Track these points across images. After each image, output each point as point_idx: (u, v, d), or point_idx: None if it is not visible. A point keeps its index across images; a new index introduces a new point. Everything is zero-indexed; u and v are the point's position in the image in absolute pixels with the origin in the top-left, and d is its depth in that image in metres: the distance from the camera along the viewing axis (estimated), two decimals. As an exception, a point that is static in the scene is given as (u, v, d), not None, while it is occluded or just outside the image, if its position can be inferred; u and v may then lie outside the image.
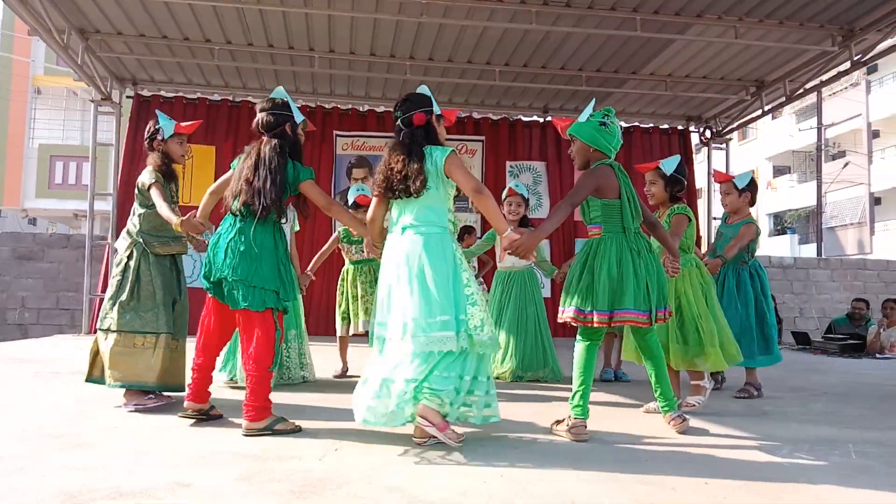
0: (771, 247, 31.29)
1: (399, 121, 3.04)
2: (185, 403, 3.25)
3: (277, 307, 3.11)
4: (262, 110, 3.24)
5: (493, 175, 9.96)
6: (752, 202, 4.59)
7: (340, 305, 5.31)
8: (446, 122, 3.16)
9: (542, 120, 10.28)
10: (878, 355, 7.60)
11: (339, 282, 5.39)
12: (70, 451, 2.66)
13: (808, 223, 30.13)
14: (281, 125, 3.17)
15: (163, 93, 9.55)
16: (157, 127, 3.88)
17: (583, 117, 3.27)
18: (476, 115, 10.23)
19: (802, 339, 8.74)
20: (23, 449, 2.69)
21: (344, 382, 4.85)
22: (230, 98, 9.69)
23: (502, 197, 5.25)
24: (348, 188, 9.63)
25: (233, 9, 7.15)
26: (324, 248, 5.33)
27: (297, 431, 3.07)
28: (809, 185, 27.19)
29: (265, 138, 3.17)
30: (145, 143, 3.95)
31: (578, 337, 3.22)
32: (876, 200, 27.56)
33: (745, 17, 7.15)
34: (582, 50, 8.07)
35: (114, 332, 3.64)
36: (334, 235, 5.37)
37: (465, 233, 7.97)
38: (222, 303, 3.16)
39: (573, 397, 3.15)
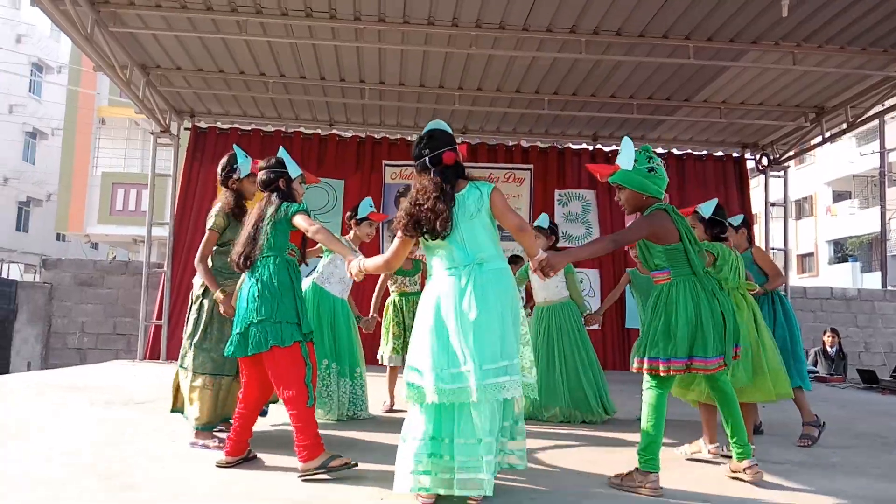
0: (832, 275, 30.10)
1: (427, 160, 2.88)
2: (221, 459, 3.26)
3: (305, 339, 3.22)
4: (260, 169, 3.50)
5: (541, 203, 9.86)
6: (749, 241, 4.70)
7: (387, 337, 5.27)
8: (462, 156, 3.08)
9: (591, 148, 10.16)
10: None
11: (386, 313, 5.36)
12: (119, 495, 2.67)
13: (870, 251, 28.90)
14: (275, 181, 3.42)
15: (219, 124, 9.82)
16: (234, 165, 3.91)
17: (625, 162, 3.18)
18: (524, 144, 10.18)
19: (869, 378, 8.29)
20: (72, 490, 2.72)
21: (392, 419, 4.79)
22: (283, 129, 9.89)
23: None
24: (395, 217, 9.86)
25: (287, 44, 7.32)
26: (378, 284, 5.32)
27: (351, 467, 3.10)
28: (871, 211, 26.12)
29: (266, 197, 3.42)
30: (219, 177, 3.98)
31: (650, 383, 3.12)
32: (945, 227, 26.27)
33: (803, 43, 6.94)
34: (633, 78, 7.96)
35: (189, 370, 3.73)
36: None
37: (511, 262, 7.89)
38: (250, 355, 3.20)
39: (644, 449, 3.02)
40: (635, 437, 3.17)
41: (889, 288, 20.12)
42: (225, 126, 9.79)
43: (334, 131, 9.95)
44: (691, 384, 3.59)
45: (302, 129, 9.93)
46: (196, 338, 3.74)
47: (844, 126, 8.58)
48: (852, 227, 29.72)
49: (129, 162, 21.77)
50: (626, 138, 3.27)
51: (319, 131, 9.97)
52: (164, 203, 10.56)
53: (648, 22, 6.59)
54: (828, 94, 8.25)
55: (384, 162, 9.88)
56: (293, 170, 3.50)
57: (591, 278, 9.81)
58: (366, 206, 4.93)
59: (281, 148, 3.70)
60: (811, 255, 32.50)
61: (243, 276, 3.39)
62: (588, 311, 5.25)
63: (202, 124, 9.75)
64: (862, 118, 8.39)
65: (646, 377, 3.14)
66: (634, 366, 3.20)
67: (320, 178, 9.01)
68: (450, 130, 3.00)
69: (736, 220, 4.62)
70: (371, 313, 5.23)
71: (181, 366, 3.80)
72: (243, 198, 3.94)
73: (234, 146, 4.19)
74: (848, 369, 9.93)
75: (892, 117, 23.80)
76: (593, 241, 3.04)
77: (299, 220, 3.26)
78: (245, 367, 3.29)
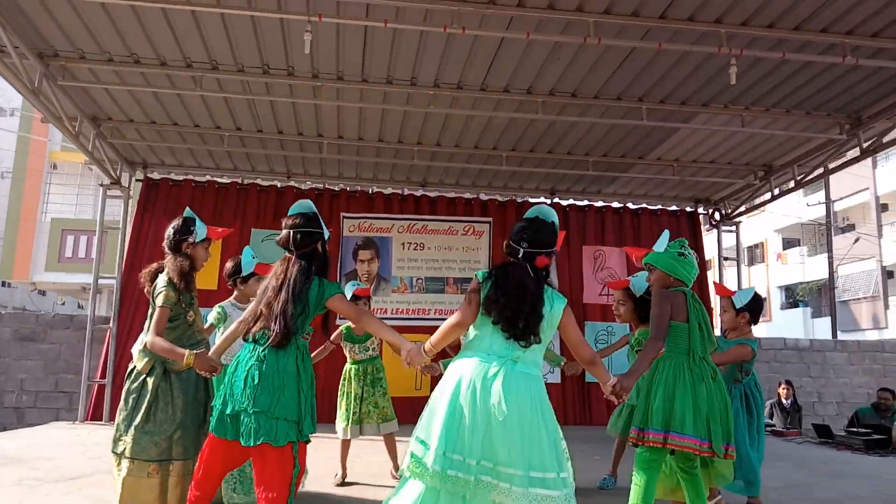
0: (784, 320, 30.83)
1: (522, 252, 2.68)
2: None
3: (299, 440, 2.86)
4: (291, 227, 2.98)
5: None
6: (754, 321, 4.25)
7: (341, 406, 5.10)
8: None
9: (549, 202, 10.24)
10: (906, 453, 7.24)
11: (342, 381, 5.19)
12: None
13: (820, 296, 29.75)
14: (313, 245, 2.99)
15: (172, 176, 9.62)
16: (191, 228, 3.69)
17: (659, 246, 3.41)
18: (483, 197, 10.22)
19: (824, 432, 8.36)
20: None
21: (346, 500, 4.59)
22: (239, 181, 9.74)
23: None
24: (354, 270, 9.74)
25: (243, 99, 7.24)
26: (319, 349, 5.07)
27: None
28: (820, 258, 26.99)
29: (293, 258, 2.96)
30: (169, 240, 3.71)
31: (635, 467, 3.15)
32: (889, 274, 27.25)
33: (751, 107, 7.16)
34: (588, 136, 8.10)
35: (127, 457, 3.40)
36: (336, 332, 5.18)
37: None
38: (232, 440, 2.83)
39: None
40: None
41: (839, 338, 20.67)
42: (178, 177, 9.59)
43: (292, 183, 9.85)
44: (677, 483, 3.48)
45: (258, 182, 9.80)
46: (137, 420, 3.41)
47: (792, 184, 8.84)
48: (802, 273, 30.62)
49: (81, 208, 21.24)
50: (665, 232, 3.50)
51: (277, 183, 9.84)
52: (116, 253, 10.22)
53: (602, 85, 6.72)
54: (775, 154, 8.52)
55: (342, 214, 9.77)
56: (325, 230, 3.07)
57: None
58: (249, 260, 4.35)
59: (309, 203, 3.14)
60: (763, 300, 33.25)
61: (243, 349, 2.94)
62: (564, 362, 5.12)
63: (155, 175, 9.54)
64: (809, 177, 8.66)
65: (634, 461, 3.19)
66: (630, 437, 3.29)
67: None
68: (557, 227, 2.81)
69: (743, 296, 4.29)
70: None
71: (113, 451, 3.47)
72: (195, 266, 3.71)
73: (188, 209, 4.00)
74: (803, 420, 10.04)
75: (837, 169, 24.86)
76: (646, 350, 3.06)
77: (341, 305, 2.93)
78: (215, 441, 2.89)
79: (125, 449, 3.41)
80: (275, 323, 2.82)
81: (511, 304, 2.59)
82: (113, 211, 9.75)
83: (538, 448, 2.44)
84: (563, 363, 5.06)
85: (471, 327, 2.71)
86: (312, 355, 4.90)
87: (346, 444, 5.07)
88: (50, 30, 5.98)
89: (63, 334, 10.20)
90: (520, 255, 2.66)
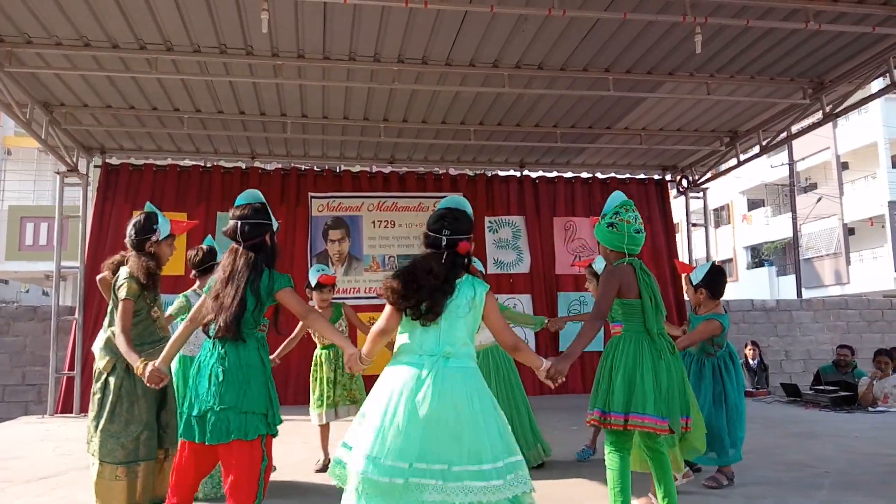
0: (749, 280, 31.52)
1: (445, 240, 2.68)
2: None
3: (269, 433, 2.82)
4: (239, 218, 2.92)
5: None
6: (714, 294, 4.21)
7: (314, 392, 5.05)
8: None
9: (518, 174, 10.21)
10: (870, 408, 7.46)
11: (313, 367, 5.13)
12: None
13: (784, 255, 30.42)
14: (261, 236, 2.92)
15: (132, 160, 9.35)
16: (154, 227, 3.58)
17: (603, 216, 3.28)
18: (453, 172, 10.15)
19: (792, 391, 8.59)
20: None
21: (326, 488, 4.57)
22: (201, 164, 9.51)
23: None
24: (325, 250, 9.64)
25: (201, 80, 7.02)
26: (294, 332, 5.00)
27: None
28: (784, 218, 27.52)
29: (240, 249, 2.89)
30: (131, 238, 3.59)
31: (606, 447, 3.16)
32: (850, 231, 27.94)
33: (716, 74, 7.17)
34: (556, 108, 8.05)
35: (97, 459, 3.37)
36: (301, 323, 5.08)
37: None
38: (200, 442, 2.76)
39: None
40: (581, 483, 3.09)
41: (804, 295, 21.19)
42: (139, 162, 9.33)
43: (256, 164, 9.65)
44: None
45: (222, 163, 9.58)
46: (102, 421, 3.36)
47: (757, 149, 8.93)
48: (767, 233, 31.24)
49: (40, 195, 20.60)
50: (614, 193, 3.35)
51: (241, 165, 9.64)
52: (78, 241, 9.95)
53: (569, 56, 6.66)
54: (741, 120, 8.58)
55: (310, 194, 9.63)
56: (274, 221, 3.01)
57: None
58: (216, 252, 4.29)
59: (257, 192, 3.10)
60: (730, 261, 33.94)
61: (202, 348, 2.87)
62: (546, 321, 5.08)
63: (114, 161, 9.26)
64: (774, 142, 8.75)
65: (605, 443, 3.19)
66: (588, 419, 3.24)
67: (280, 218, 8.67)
68: (472, 215, 2.81)
69: (698, 272, 4.28)
70: (273, 356, 4.49)
71: (87, 450, 3.46)
72: (159, 264, 3.62)
73: (148, 204, 3.87)
74: (770, 379, 10.31)
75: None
76: (583, 330, 3.05)
77: (290, 299, 2.88)
78: (186, 451, 2.83)
79: (94, 451, 3.38)
80: (224, 316, 2.77)
81: (414, 288, 2.58)
82: (73, 197, 9.47)
83: (476, 441, 2.43)
84: (546, 322, 5.08)
85: (399, 332, 2.68)
86: (285, 343, 4.87)
87: (325, 430, 5.03)
88: (-8, 14, 5.70)
89: (27, 326, 9.94)
90: (443, 244, 2.67)
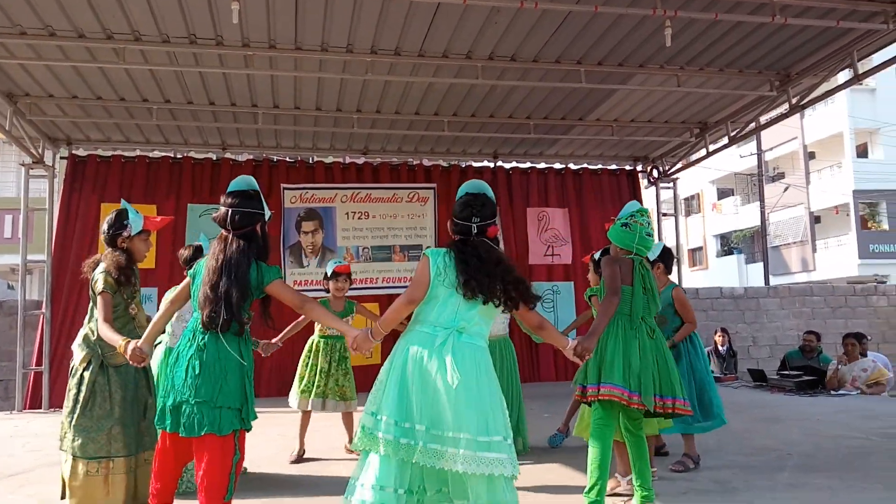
0: (719, 267, 32.08)
1: (475, 227, 2.71)
2: None
3: (242, 428, 2.80)
4: (230, 206, 2.84)
5: (445, 222, 9.77)
6: (668, 270, 4.65)
7: (303, 378, 5.02)
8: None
9: (492, 165, 10.25)
10: (832, 392, 7.68)
11: (305, 352, 5.11)
12: None
13: (753, 243, 31.00)
14: (252, 225, 2.85)
15: (100, 151, 9.19)
16: (124, 222, 3.55)
17: (619, 219, 3.53)
18: (427, 163, 10.15)
19: (759, 376, 8.81)
20: None
21: (299, 479, 4.59)
22: (171, 154, 9.38)
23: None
24: (298, 242, 9.58)
25: (171, 71, 6.92)
26: (300, 318, 4.82)
27: None
28: (753, 206, 28.02)
29: (230, 237, 2.82)
30: (104, 235, 3.57)
31: (592, 424, 3.34)
32: (816, 219, 28.56)
33: (686, 66, 7.26)
34: (529, 99, 8.09)
35: (69, 455, 3.35)
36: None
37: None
38: (174, 432, 2.75)
39: (590, 490, 3.22)
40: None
41: (771, 282, 21.62)
42: (106, 153, 9.16)
43: (228, 155, 9.55)
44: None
45: (192, 154, 9.46)
46: (75, 416, 3.34)
47: (726, 140, 9.08)
48: (736, 221, 31.80)
49: (4, 185, 20.08)
50: (631, 202, 3.62)
51: (212, 156, 9.53)
52: (45, 233, 9.76)
53: (541, 48, 6.69)
54: (710, 112, 8.70)
55: (282, 185, 9.55)
56: (266, 210, 2.93)
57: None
58: (208, 246, 4.39)
59: (251, 178, 3.00)
60: (700, 249, 34.51)
61: (182, 337, 2.84)
62: (542, 341, 5.20)
63: (80, 152, 9.09)
64: (742, 133, 8.91)
65: (591, 417, 3.38)
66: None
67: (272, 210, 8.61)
68: (494, 199, 2.88)
69: (653, 252, 4.47)
70: (275, 339, 4.64)
71: (60, 447, 3.42)
72: (133, 259, 3.60)
73: (123, 201, 3.83)
74: (738, 364, 10.55)
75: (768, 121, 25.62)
76: (602, 308, 3.25)
77: (282, 291, 2.84)
78: (166, 437, 2.81)
79: (67, 447, 3.36)
80: (220, 308, 2.71)
81: (488, 276, 2.64)
82: (39, 189, 9.29)
83: (485, 413, 2.51)
84: (541, 342, 5.15)
85: (425, 300, 2.72)
86: (290, 326, 4.78)
87: (306, 417, 5.00)
88: (-49, 2, 5.54)
89: (-7, 321, 9.76)
90: (473, 231, 2.70)
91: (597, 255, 4.64)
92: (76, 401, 3.40)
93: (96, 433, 3.33)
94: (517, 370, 5.12)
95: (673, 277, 10.97)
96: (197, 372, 2.70)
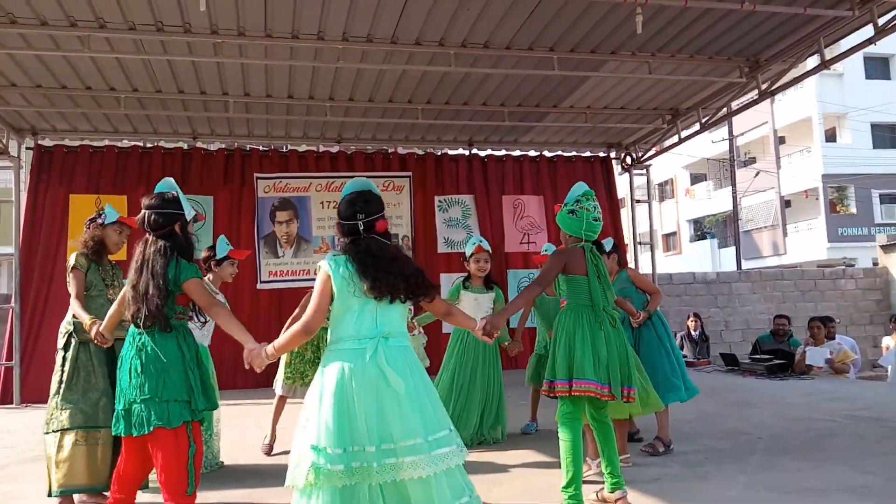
0: (692, 252, 32.51)
1: (362, 224, 2.64)
2: None
3: (193, 419, 2.84)
4: (148, 207, 2.94)
5: (421, 210, 9.86)
6: (620, 263, 4.91)
7: (288, 365, 5.00)
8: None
9: (467, 153, 10.24)
10: (803, 376, 7.84)
11: None
12: None
13: (725, 227, 31.44)
14: (170, 225, 2.93)
15: (66, 142, 9.00)
16: (100, 213, 3.82)
17: (565, 203, 3.49)
18: (402, 151, 10.11)
19: (731, 360, 8.96)
20: None
21: (275, 470, 4.57)
22: (141, 144, 9.22)
23: (467, 253, 5.13)
24: (272, 232, 9.51)
25: (137, 59, 6.78)
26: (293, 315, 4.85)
27: None
28: (725, 191, 28.38)
29: (150, 239, 2.92)
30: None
31: (559, 418, 3.31)
32: (786, 203, 29.03)
33: (657, 53, 7.30)
34: (502, 87, 8.08)
35: (57, 431, 3.46)
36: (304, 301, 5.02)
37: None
38: (128, 434, 2.79)
39: (568, 486, 3.21)
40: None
41: (743, 266, 21.95)
42: (73, 143, 8.98)
43: (199, 144, 9.41)
44: None
45: (162, 144, 9.31)
46: (61, 392, 3.47)
47: (697, 126, 9.16)
48: (709, 206, 32.21)
49: (-33, 176, 19.60)
50: (577, 183, 3.55)
51: (182, 145, 9.39)
52: (11, 225, 9.56)
53: (514, 35, 6.67)
54: (681, 98, 8.77)
55: (255, 175, 9.47)
56: (188, 210, 3.02)
57: None
58: (224, 245, 4.51)
59: (171, 181, 3.12)
60: (674, 234, 34.93)
61: (126, 341, 2.91)
62: (507, 342, 5.22)
63: (47, 142, 8.89)
64: (713, 119, 9.00)
65: (557, 411, 3.36)
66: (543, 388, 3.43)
67: (204, 217, 8.51)
68: (380, 195, 2.79)
69: (606, 244, 4.60)
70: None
71: (46, 432, 3.48)
72: (104, 246, 3.80)
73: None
74: (711, 349, 10.73)
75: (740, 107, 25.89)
76: (522, 292, 3.27)
77: (195, 291, 2.87)
78: (126, 443, 2.87)
79: (56, 426, 3.46)
80: (142, 305, 2.81)
81: (387, 273, 2.57)
82: (5, 179, 9.07)
83: (427, 411, 2.49)
84: (505, 343, 5.19)
85: (331, 323, 2.63)
86: (284, 330, 4.70)
87: (281, 403, 4.97)
88: None
89: (-40, 316, 9.55)
90: (361, 229, 2.65)
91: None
92: (60, 380, 3.53)
93: (84, 404, 3.46)
94: (499, 361, 5.15)
95: (647, 262, 11.09)
96: (139, 371, 2.79)
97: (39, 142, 8.84)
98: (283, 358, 5.02)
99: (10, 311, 8.37)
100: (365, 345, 2.51)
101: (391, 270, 2.57)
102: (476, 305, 5.00)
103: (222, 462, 4.52)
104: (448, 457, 2.43)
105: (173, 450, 2.75)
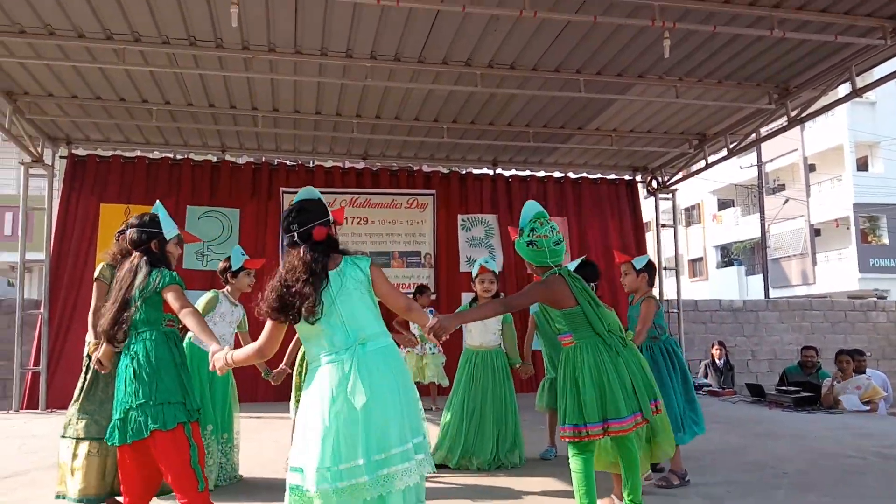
0: (719, 278, 32.03)
1: (296, 234, 2.62)
2: None
3: (189, 419, 2.99)
4: (129, 226, 3.27)
5: (444, 228, 9.87)
6: (651, 283, 4.44)
7: (298, 388, 5.00)
8: (337, 219, 2.85)
9: (492, 172, 10.25)
10: (832, 410, 7.63)
11: (298, 360, 5.07)
12: None
13: (753, 254, 30.96)
14: (146, 242, 3.21)
15: (99, 151, 9.20)
16: (127, 223, 3.62)
17: (521, 231, 3.26)
18: (426, 169, 10.15)
19: (757, 391, 8.76)
20: None
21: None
22: (171, 156, 9.39)
23: (473, 275, 5.06)
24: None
25: (170, 72, 6.93)
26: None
27: None
28: (753, 218, 28.00)
29: (133, 255, 3.20)
30: (133, 236, 3.52)
31: (572, 451, 3.15)
32: (816, 232, 28.51)
33: (684, 78, 7.27)
34: (528, 108, 8.09)
35: (73, 439, 3.52)
36: None
37: (417, 292, 7.80)
38: (123, 443, 2.94)
39: None
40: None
41: (771, 295, 21.57)
42: (106, 153, 9.17)
43: (227, 157, 9.55)
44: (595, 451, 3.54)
45: (192, 156, 9.47)
46: (80, 401, 3.54)
47: (725, 152, 9.07)
48: (737, 233, 31.76)
49: (5, 182, 20.09)
50: (527, 203, 3.32)
51: (211, 158, 9.53)
52: (43, 232, 9.76)
53: (540, 57, 6.70)
54: (709, 123, 8.70)
55: (282, 189, 9.56)
56: (169, 230, 3.27)
57: None
58: (238, 256, 4.53)
59: (158, 203, 3.45)
60: (700, 259, 34.46)
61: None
62: (519, 364, 5.13)
63: (80, 152, 9.10)
64: (741, 145, 8.90)
65: (568, 446, 3.18)
66: (560, 435, 3.23)
67: (200, 239, 8.54)
68: (320, 199, 2.74)
69: (640, 261, 4.49)
70: (282, 365, 4.65)
71: (63, 436, 3.54)
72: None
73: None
74: (736, 378, 10.50)
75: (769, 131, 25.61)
76: (484, 304, 3.22)
77: (170, 297, 3.03)
78: (124, 454, 2.98)
79: (71, 431, 3.51)
80: (104, 319, 3.06)
81: (290, 294, 2.51)
82: (39, 187, 9.28)
83: (409, 415, 2.46)
84: (517, 365, 5.10)
85: (306, 345, 2.62)
86: (289, 350, 4.68)
87: None
88: (-48, 0, 5.56)
89: (-10, 320, 9.74)
90: (296, 238, 2.62)
91: (639, 265, 4.40)
92: (81, 387, 3.60)
93: (100, 415, 3.49)
94: (511, 381, 5.04)
95: (671, 288, 10.90)
96: (133, 377, 2.95)
97: (73, 151, 9.04)
98: (295, 381, 5.02)
99: (39, 316, 8.52)
100: (342, 357, 2.47)
101: (294, 287, 2.51)
102: (483, 327, 4.94)
103: (241, 475, 4.51)
104: (421, 464, 2.41)
105: (173, 451, 2.87)
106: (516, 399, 5.06)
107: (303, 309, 2.47)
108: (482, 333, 5.06)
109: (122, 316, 3.04)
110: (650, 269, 4.46)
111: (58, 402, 7.94)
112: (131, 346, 3.02)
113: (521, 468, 4.84)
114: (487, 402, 4.88)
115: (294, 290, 2.49)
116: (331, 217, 2.72)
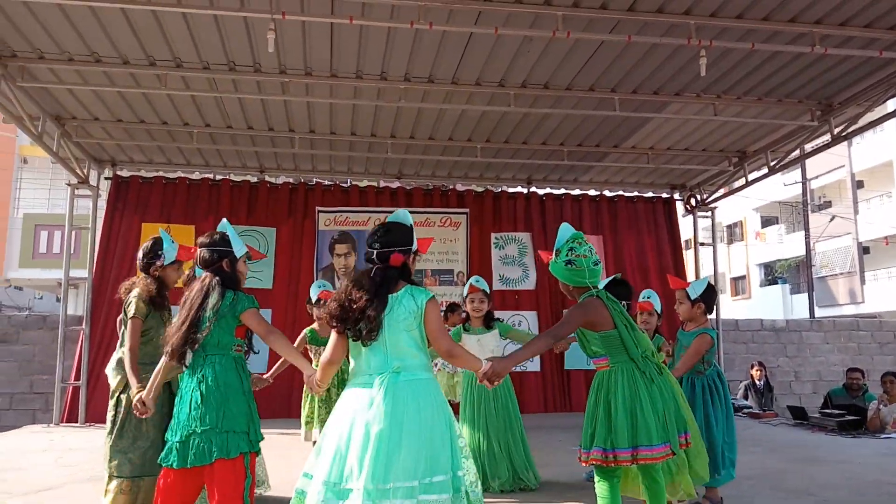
0: (762, 297, 31.23)
1: (375, 253, 2.72)
2: None
3: (250, 450, 2.91)
4: (200, 245, 3.15)
5: (477, 247, 9.85)
6: (709, 310, 4.23)
7: (305, 408, 5.04)
8: (420, 250, 2.87)
9: (525, 191, 10.21)
10: (879, 435, 7.34)
11: (306, 393, 5.12)
12: None
13: (798, 273, 30.13)
14: (218, 262, 3.09)
15: (142, 173, 9.46)
16: (159, 252, 3.73)
17: (554, 254, 3.22)
18: (460, 188, 10.18)
19: (799, 414, 8.48)
20: None
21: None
22: (210, 177, 9.60)
23: (464, 293, 5.05)
24: (331, 264, 9.67)
25: (210, 96, 7.10)
26: (295, 343, 4.99)
27: None
28: (798, 235, 27.28)
29: (204, 274, 3.09)
30: (139, 262, 3.76)
31: (598, 476, 3.10)
32: (864, 250, 27.63)
33: (723, 95, 7.15)
34: (562, 127, 8.06)
35: (107, 474, 3.55)
36: (300, 336, 5.08)
37: (449, 310, 7.77)
38: (180, 467, 2.83)
39: None
40: None
41: (817, 314, 20.94)
42: (149, 175, 9.43)
43: (266, 178, 9.72)
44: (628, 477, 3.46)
45: (231, 177, 9.67)
46: (112, 438, 3.53)
47: (766, 170, 8.88)
48: (781, 251, 30.96)
49: (54, 203, 20.83)
50: (563, 225, 3.31)
51: (249, 178, 9.72)
52: (87, 250, 10.04)
53: (574, 76, 6.68)
54: (748, 141, 8.54)
55: (317, 208, 9.69)
56: (238, 248, 3.18)
57: (528, 320, 9.82)
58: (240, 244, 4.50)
59: (225, 221, 3.36)
60: (743, 278, 33.67)
61: (182, 377, 3.01)
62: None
63: (124, 173, 9.37)
64: (783, 162, 8.70)
65: (595, 470, 3.13)
66: (584, 459, 3.14)
67: (265, 255, 8.71)
68: (411, 226, 2.80)
69: (697, 287, 4.22)
70: (266, 375, 4.50)
71: (105, 469, 3.59)
72: (165, 287, 3.77)
73: (161, 230, 3.93)
74: (776, 400, 10.17)
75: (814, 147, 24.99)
76: (533, 340, 3.18)
77: (251, 320, 2.99)
78: (168, 475, 2.90)
79: (106, 467, 3.53)
80: (172, 340, 2.94)
81: (350, 309, 2.61)
82: (85, 207, 9.58)
83: (427, 453, 2.43)
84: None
85: (352, 353, 2.71)
86: (277, 364, 4.77)
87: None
88: (6, 30, 5.81)
89: (36, 335, 10.03)
90: (374, 256, 2.70)
91: (695, 293, 4.18)
92: (114, 423, 3.58)
93: (133, 454, 3.50)
94: (515, 401, 4.96)
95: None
96: (199, 402, 2.85)
97: (117, 172, 9.31)
98: (301, 403, 5.07)
99: (81, 332, 8.75)
100: (374, 381, 2.55)
101: (357, 304, 2.62)
102: (479, 347, 4.87)
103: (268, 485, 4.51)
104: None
105: (231, 481, 2.80)
106: (521, 421, 4.97)
107: (363, 331, 2.58)
108: (479, 353, 4.91)
109: (195, 336, 2.92)
110: (708, 296, 4.21)
111: (96, 416, 8.13)
112: (198, 369, 2.92)
113: (547, 491, 4.75)
114: (493, 423, 4.83)
115: (356, 306, 2.60)
116: (415, 246, 2.79)
